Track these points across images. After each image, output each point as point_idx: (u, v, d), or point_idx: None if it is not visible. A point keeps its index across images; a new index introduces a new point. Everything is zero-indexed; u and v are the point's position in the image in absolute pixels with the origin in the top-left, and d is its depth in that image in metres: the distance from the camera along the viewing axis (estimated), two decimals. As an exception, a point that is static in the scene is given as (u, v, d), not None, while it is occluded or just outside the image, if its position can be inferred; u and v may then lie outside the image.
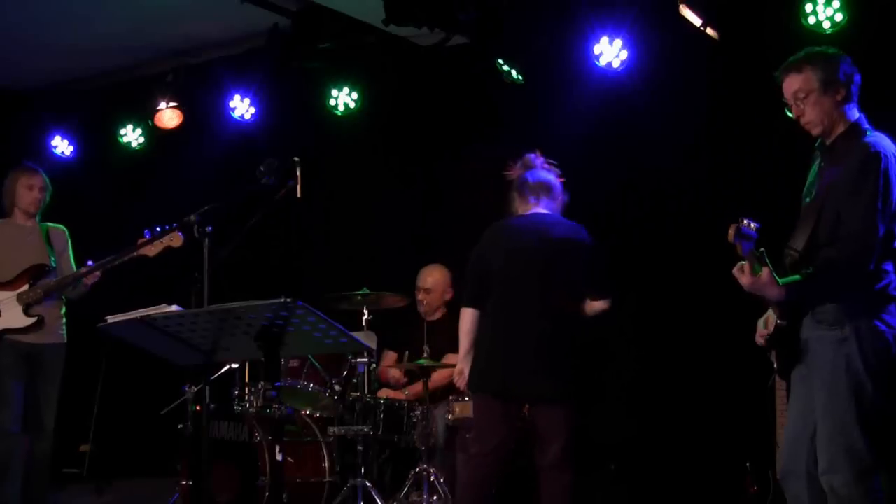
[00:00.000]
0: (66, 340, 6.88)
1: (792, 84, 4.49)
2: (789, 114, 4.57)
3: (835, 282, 4.30)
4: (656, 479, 7.04)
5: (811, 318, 4.38)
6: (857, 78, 4.52)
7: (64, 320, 6.89)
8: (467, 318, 5.65)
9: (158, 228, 6.30)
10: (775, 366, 4.66)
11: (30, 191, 6.99)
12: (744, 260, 4.24)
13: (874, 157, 4.31)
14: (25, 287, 6.74)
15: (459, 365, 5.72)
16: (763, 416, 5.65)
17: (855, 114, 4.50)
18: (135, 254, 6.47)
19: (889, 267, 4.36)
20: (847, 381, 4.26)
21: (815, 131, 4.52)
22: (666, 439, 7.04)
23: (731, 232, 4.15)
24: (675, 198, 7.18)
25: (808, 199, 4.54)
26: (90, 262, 6.71)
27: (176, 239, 6.37)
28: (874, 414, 4.26)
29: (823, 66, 4.46)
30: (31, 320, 6.71)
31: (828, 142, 4.52)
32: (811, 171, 4.61)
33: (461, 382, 5.73)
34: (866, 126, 4.49)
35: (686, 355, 6.99)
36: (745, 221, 4.13)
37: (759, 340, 4.60)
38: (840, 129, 4.48)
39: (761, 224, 4.15)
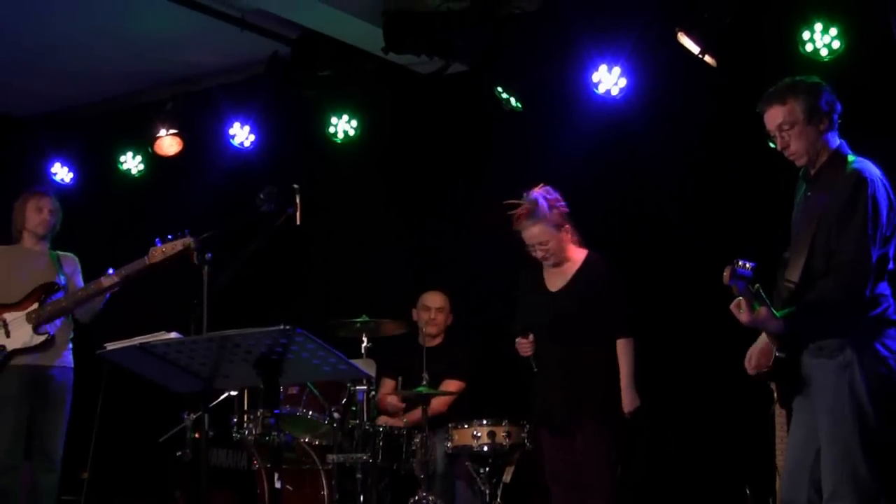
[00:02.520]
0: (73, 365, 6.84)
1: (776, 116, 4.52)
2: (772, 145, 4.60)
3: (833, 311, 4.31)
4: (656, 505, 7.02)
5: (812, 347, 4.39)
6: (839, 106, 4.55)
7: (71, 345, 6.85)
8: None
9: (171, 237, 6.27)
10: (775, 394, 4.66)
11: (39, 213, 6.92)
12: (740, 297, 4.26)
13: (861, 183, 4.35)
14: (35, 306, 6.68)
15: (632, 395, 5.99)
16: (763, 441, 5.64)
17: (836, 141, 4.55)
18: (148, 262, 6.34)
19: (886, 290, 4.39)
20: (851, 408, 4.27)
21: (801, 162, 4.55)
22: (665, 465, 7.02)
23: (726, 274, 4.18)
24: (674, 225, 7.18)
25: (796, 230, 4.56)
26: (111, 270, 6.55)
27: (188, 243, 6.08)
28: (878, 440, 4.27)
29: (806, 97, 4.49)
30: (41, 339, 6.63)
31: (812, 171, 4.55)
32: (796, 200, 4.64)
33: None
34: (847, 152, 4.53)
35: (685, 381, 6.98)
36: (741, 262, 4.16)
37: (751, 371, 4.61)
38: (824, 157, 4.52)
39: (757, 263, 4.18)
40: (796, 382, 4.44)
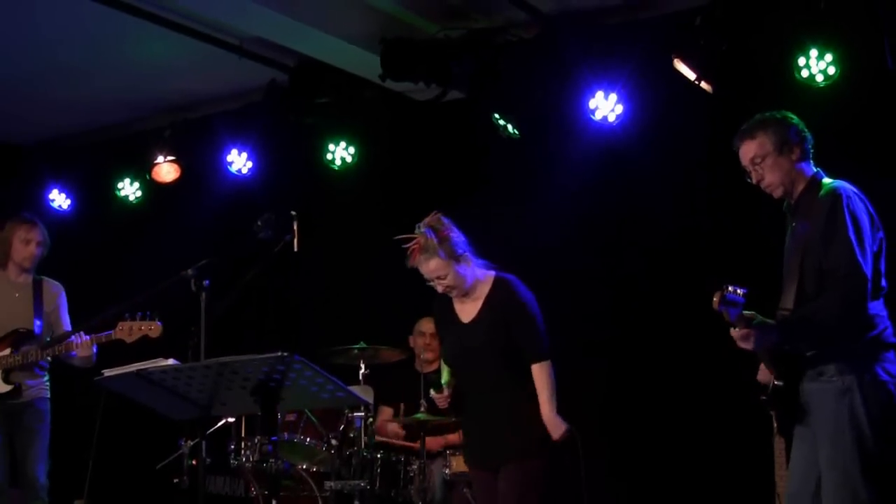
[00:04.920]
0: (48, 395, 6.77)
1: (748, 150, 4.63)
2: (749, 180, 4.65)
3: (832, 320, 4.32)
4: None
5: (810, 373, 4.39)
6: (810, 137, 4.63)
7: (46, 377, 6.77)
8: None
9: (140, 315, 6.29)
10: (775, 424, 4.66)
11: (26, 245, 6.79)
12: (732, 326, 4.27)
13: (836, 199, 4.41)
14: (7, 352, 6.60)
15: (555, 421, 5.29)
16: (763, 470, 5.63)
17: (811, 169, 4.61)
18: (113, 337, 6.38)
19: (882, 311, 4.41)
20: (851, 433, 4.27)
21: (777, 193, 4.62)
22: (665, 495, 7.00)
23: (716, 299, 4.18)
24: (672, 252, 7.19)
25: (787, 262, 4.59)
26: (85, 335, 6.49)
27: (154, 329, 6.31)
28: (879, 466, 4.27)
29: (775, 129, 4.59)
30: (8, 388, 6.57)
31: (793, 202, 4.61)
32: (787, 236, 4.68)
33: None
34: (823, 177, 4.60)
35: (684, 410, 6.97)
36: (731, 288, 4.16)
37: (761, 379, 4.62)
38: (800, 186, 4.60)
39: (748, 289, 4.17)
40: (795, 410, 4.44)
